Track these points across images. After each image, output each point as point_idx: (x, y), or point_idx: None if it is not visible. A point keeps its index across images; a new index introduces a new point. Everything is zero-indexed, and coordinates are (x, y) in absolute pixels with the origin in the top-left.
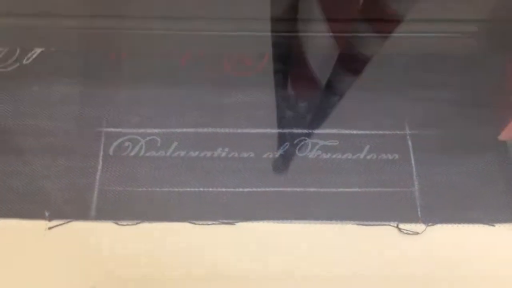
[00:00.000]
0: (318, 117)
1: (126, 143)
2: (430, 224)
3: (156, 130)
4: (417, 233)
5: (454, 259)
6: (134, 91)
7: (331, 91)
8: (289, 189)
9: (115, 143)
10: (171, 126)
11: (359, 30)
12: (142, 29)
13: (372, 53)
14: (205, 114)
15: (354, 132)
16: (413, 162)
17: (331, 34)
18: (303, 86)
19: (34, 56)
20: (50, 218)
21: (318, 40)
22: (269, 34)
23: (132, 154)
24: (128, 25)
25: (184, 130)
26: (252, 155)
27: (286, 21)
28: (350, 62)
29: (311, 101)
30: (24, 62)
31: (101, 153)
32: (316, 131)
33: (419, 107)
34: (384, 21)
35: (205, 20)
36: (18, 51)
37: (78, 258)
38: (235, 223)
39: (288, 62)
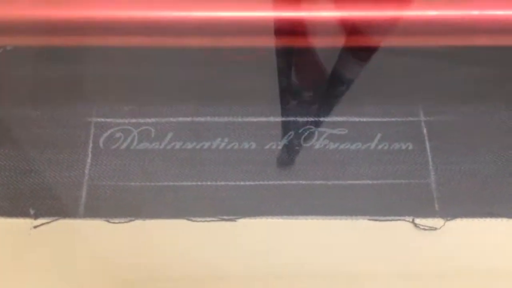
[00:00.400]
0: (324, 107)
1: (118, 134)
2: (448, 218)
3: (149, 120)
4: (435, 228)
5: (475, 256)
6: (126, 78)
7: (337, 80)
8: (294, 182)
9: (106, 134)
10: (166, 115)
11: (367, 13)
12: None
13: (381, 39)
14: (202, 101)
15: (364, 119)
16: (428, 151)
17: (337, 15)
18: (308, 74)
19: None
20: (35, 216)
21: (324, 24)
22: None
23: (123, 146)
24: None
25: (180, 119)
26: (253, 145)
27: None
28: (357, 49)
29: (316, 90)
30: (8, 47)
31: (91, 145)
32: (323, 119)
33: (434, 91)
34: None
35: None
36: None
37: (65, 258)
38: (236, 220)
39: (292, 48)
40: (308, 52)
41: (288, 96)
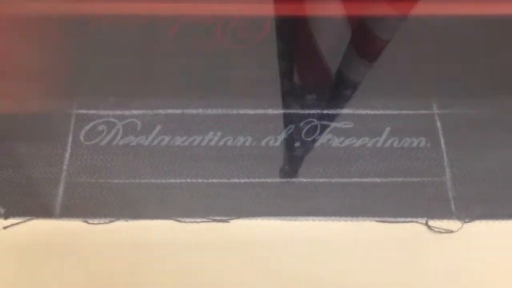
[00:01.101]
0: (328, 112)
1: (100, 127)
2: (466, 220)
3: (135, 112)
4: (451, 231)
5: (496, 262)
6: (111, 66)
7: (342, 83)
8: (294, 180)
9: (87, 127)
10: (154, 107)
11: (375, 6)
12: None
13: (390, 35)
14: (194, 92)
15: (372, 112)
16: (443, 146)
17: (342, 10)
18: (312, 75)
19: None
20: (6, 216)
21: (328, 20)
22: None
23: (107, 139)
24: None
25: (169, 111)
26: (249, 140)
27: None
28: (364, 46)
29: (320, 92)
30: None
31: (70, 139)
32: (326, 112)
33: (448, 81)
34: None
35: None
36: None
37: (39, 263)
38: (229, 221)
39: (294, 44)
40: (312, 51)
41: (290, 99)
